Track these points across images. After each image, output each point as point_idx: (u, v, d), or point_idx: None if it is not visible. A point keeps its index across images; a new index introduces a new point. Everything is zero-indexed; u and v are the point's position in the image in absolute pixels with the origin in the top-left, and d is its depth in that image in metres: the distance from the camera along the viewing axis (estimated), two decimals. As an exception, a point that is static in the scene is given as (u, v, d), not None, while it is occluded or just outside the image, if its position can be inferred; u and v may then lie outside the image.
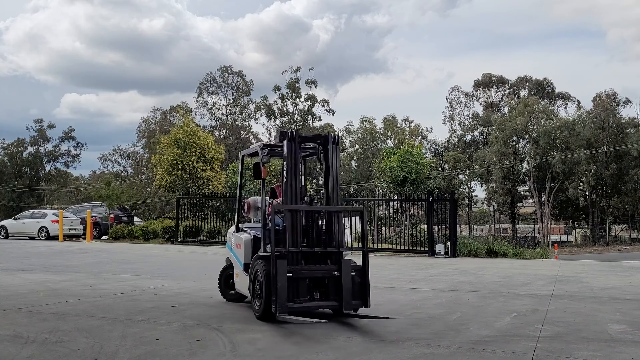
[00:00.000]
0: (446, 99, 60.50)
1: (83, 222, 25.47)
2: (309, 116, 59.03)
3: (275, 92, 59.31)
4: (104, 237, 26.56)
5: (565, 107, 57.47)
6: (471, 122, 59.57)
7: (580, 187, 53.75)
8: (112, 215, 27.55)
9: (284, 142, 6.08)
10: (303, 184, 6.38)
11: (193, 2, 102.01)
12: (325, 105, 59.49)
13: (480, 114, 58.42)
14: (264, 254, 5.99)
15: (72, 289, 8.42)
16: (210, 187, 28.67)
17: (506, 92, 59.42)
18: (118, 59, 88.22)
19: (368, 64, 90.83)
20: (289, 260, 5.70)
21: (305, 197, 6.60)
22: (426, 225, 18.78)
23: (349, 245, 6.68)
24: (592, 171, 51.12)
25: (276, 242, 5.69)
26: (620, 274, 12.21)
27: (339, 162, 6.32)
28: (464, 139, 59.76)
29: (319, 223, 6.19)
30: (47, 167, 64.79)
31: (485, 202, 60.48)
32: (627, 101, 53.27)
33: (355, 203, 21.65)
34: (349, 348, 4.72)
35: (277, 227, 6.09)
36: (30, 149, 62.93)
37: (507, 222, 58.37)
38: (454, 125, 60.21)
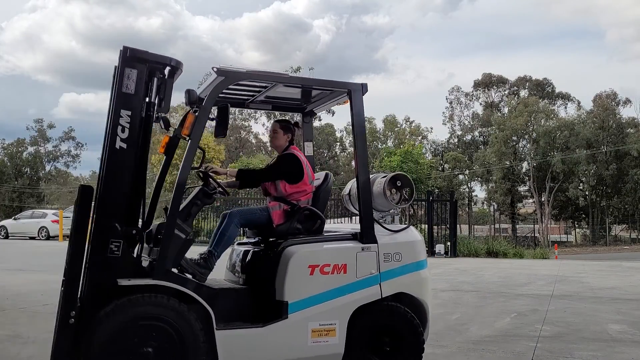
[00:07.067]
0: (446, 99, 60.52)
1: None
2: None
3: (275, 92, 59.13)
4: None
5: (565, 107, 57.47)
6: (471, 122, 59.56)
7: (580, 187, 53.73)
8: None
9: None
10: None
11: (191, 1, 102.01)
12: (325, 105, 59.53)
13: (480, 114, 58.41)
14: None
15: (72, 289, 8.41)
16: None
17: (506, 92, 59.39)
18: (116, 58, 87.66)
19: (368, 64, 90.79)
20: None
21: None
22: (426, 225, 18.79)
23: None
24: (592, 171, 51.09)
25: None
26: (620, 274, 12.21)
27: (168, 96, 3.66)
28: (464, 139, 59.73)
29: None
30: (47, 167, 64.74)
31: (485, 202, 60.45)
32: (627, 101, 53.28)
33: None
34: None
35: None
36: (30, 149, 62.88)
37: (507, 222, 58.33)
38: (454, 126, 60.22)
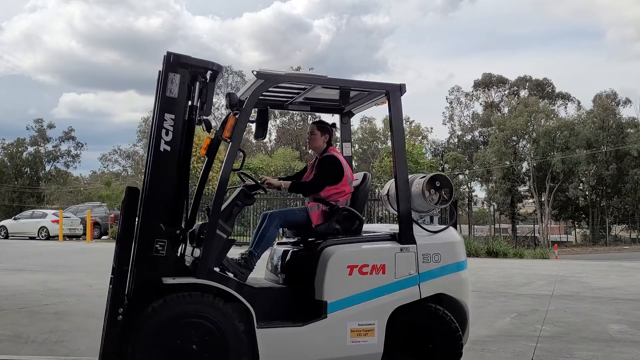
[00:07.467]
0: (446, 99, 60.38)
1: (83, 222, 25.46)
2: (309, 116, 59.10)
3: (275, 92, 59.11)
4: (104, 237, 26.54)
5: (565, 107, 57.37)
6: (471, 122, 59.52)
7: (580, 187, 53.71)
8: (112, 215, 27.51)
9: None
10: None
11: (191, 1, 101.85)
12: (326, 105, 59.49)
13: (480, 114, 58.38)
14: None
15: (72, 289, 8.42)
16: (211, 187, 28.62)
17: (506, 92, 59.36)
18: (115, 58, 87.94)
19: (368, 65, 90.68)
20: None
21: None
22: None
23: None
24: (592, 171, 51.06)
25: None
26: (620, 274, 12.21)
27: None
28: (464, 139, 59.69)
29: None
30: (47, 167, 64.66)
31: (485, 202, 60.42)
32: (627, 101, 53.21)
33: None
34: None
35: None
36: (30, 149, 62.82)
37: (507, 222, 58.31)
38: (454, 126, 60.12)
